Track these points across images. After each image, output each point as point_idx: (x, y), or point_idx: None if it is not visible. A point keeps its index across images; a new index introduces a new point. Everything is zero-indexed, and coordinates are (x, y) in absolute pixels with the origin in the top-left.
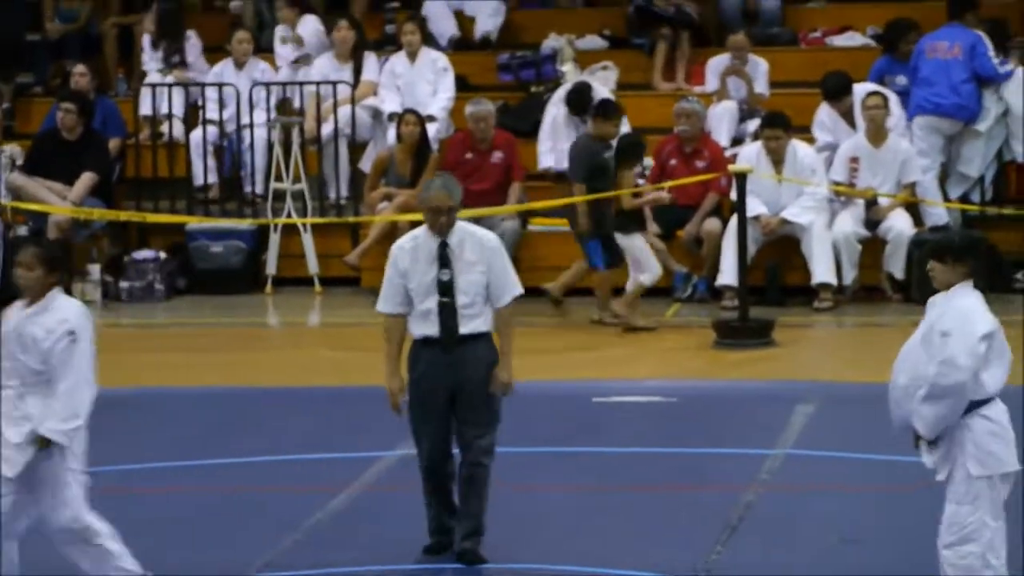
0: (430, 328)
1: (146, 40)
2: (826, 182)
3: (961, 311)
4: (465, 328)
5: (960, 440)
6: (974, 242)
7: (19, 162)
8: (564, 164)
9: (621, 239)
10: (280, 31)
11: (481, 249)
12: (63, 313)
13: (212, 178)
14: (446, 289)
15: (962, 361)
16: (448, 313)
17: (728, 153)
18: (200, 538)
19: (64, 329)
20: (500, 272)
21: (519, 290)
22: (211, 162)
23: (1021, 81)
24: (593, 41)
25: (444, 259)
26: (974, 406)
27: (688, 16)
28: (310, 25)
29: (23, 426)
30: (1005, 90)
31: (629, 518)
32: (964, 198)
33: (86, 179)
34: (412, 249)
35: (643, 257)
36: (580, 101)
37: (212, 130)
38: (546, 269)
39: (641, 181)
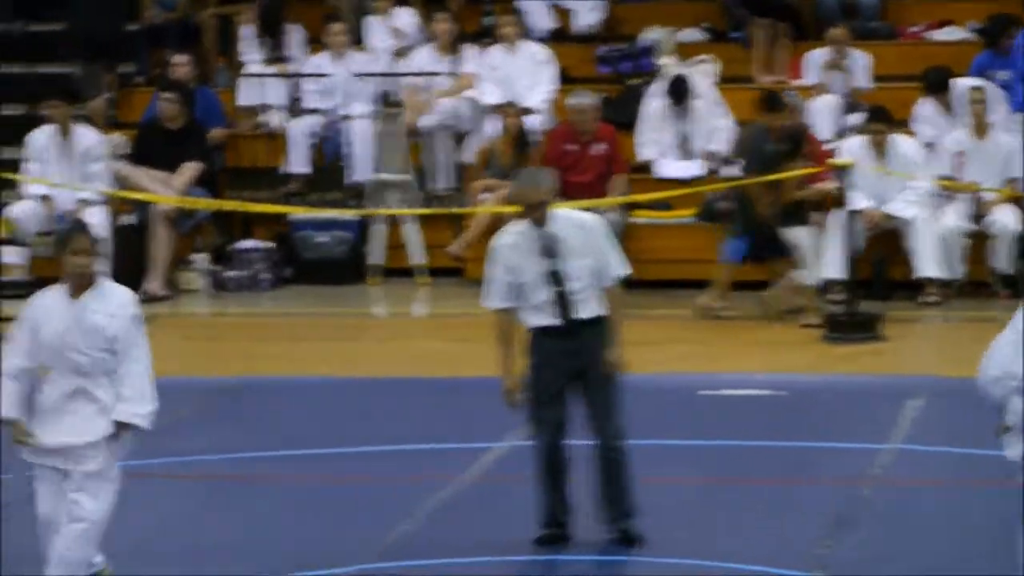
0: (547, 318)
1: (247, 31)
2: (930, 177)
3: None
4: (582, 313)
5: None
6: None
7: (123, 151)
8: (663, 156)
9: (786, 232)
10: (376, 23)
11: (583, 233)
12: (120, 298)
13: (310, 168)
14: (557, 279)
15: None
16: (563, 302)
17: (829, 147)
18: (311, 526)
19: (128, 313)
20: (604, 253)
21: (623, 270)
22: (312, 153)
23: None
24: (692, 34)
25: (550, 249)
26: None
27: (789, 7)
28: (404, 18)
29: (98, 421)
30: None
31: (738, 512)
32: None
33: (190, 168)
34: (515, 244)
35: (806, 250)
36: (678, 93)
37: (313, 120)
38: (650, 261)
39: None
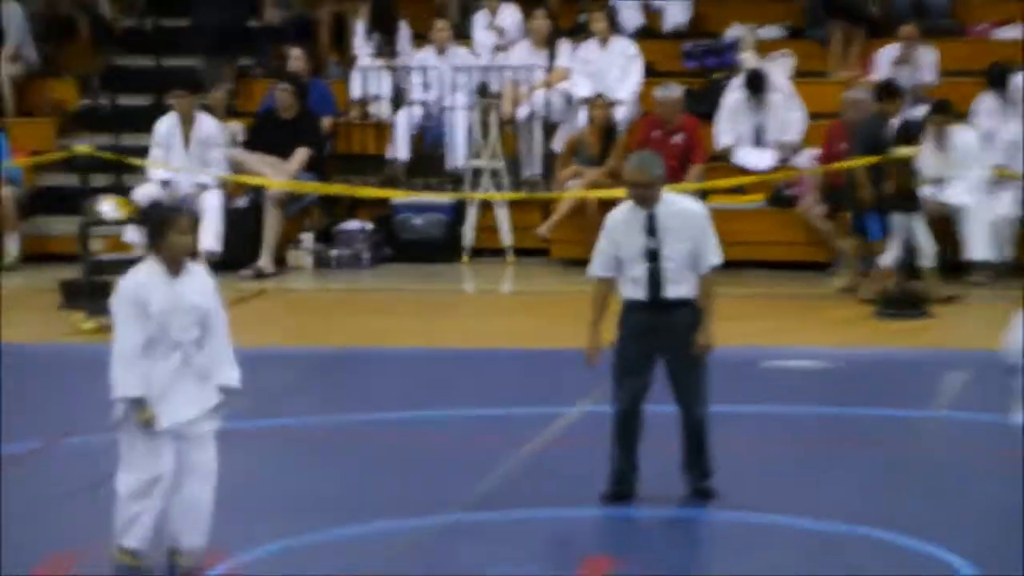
0: (639, 292)
1: (359, 27)
2: (986, 166)
3: None
4: (671, 293)
5: None
6: None
7: (240, 138)
8: (741, 144)
9: (899, 218)
10: (481, 19)
11: (685, 219)
12: (204, 275)
13: (411, 155)
14: (653, 256)
15: None
16: (655, 278)
17: None
18: (402, 481)
19: (213, 289)
20: (702, 240)
21: (717, 259)
22: (414, 140)
23: None
24: (772, 31)
25: (652, 229)
26: None
27: (867, 10)
28: (509, 14)
29: (204, 390)
30: None
31: (792, 472)
32: None
33: (300, 154)
34: (624, 220)
35: (921, 237)
36: (757, 86)
37: (417, 111)
38: (727, 244)
39: None
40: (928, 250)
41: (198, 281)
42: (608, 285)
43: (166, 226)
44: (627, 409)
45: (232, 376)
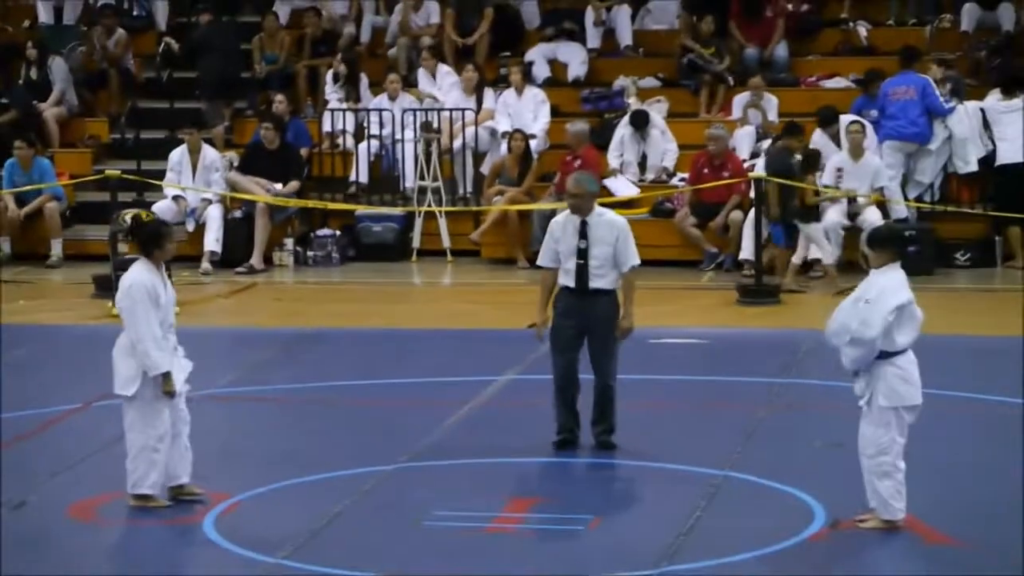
0: (570, 281)
1: (329, 77)
2: (819, 186)
3: (881, 287)
4: (594, 284)
5: (875, 380)
6: (895, 233)
7: (235, 164)
8: (629, 171)
9: (803, 227)
10: (423, 73)
11: (610, 228)
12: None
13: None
14: (582, 254)
15: (875, 323)
16: (582, 272)
17: (747, 164)
18: (363, 437)
19: None
20: (623, 246)
21: (637, 261)
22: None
23: (963, 114)
24: (650, 81)
25: (583, 232)
26: (888, 355)
27: (724, 76)
28: (443, 69)
29: (183, 362)
30: (950, 120)
31: (674, 427)
32: (919, 199)
33: (292, 185)
34: (564, 223)
35: (820, 241)
36: (639, 120)
37: (374, 143)
38: None
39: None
40: (827, 250)
41: (169, 279)
42: (552, 274)
43: (161, 237)
44: (563, 375)
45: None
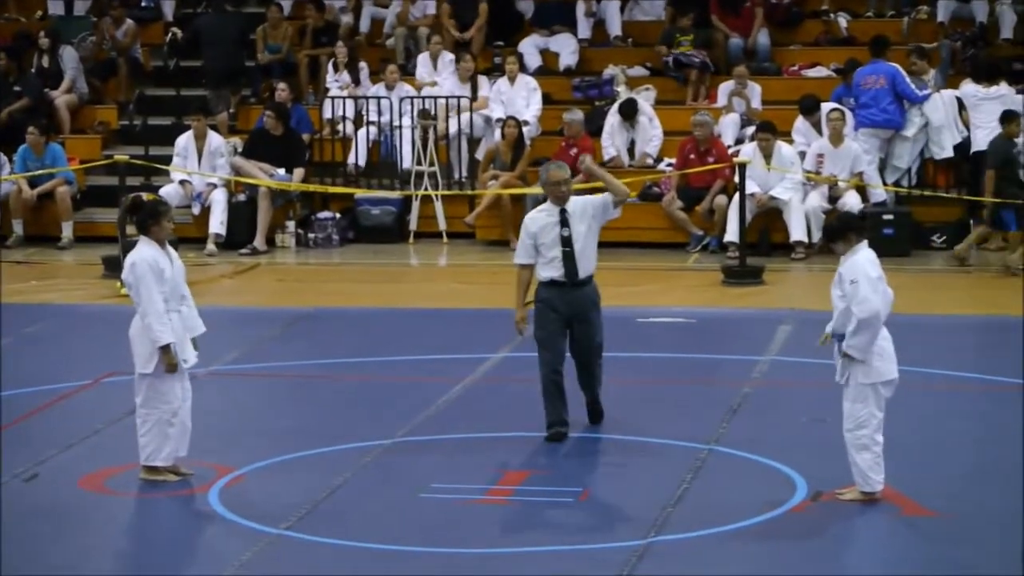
0: (556, 272)
1: (330, 66)
2: (801, 171)
3: (858, 264)
4: (582, 272)
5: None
6: (846, 220)
7: (240, 149)
8: (622, 156)
9: None
10: (422, 60)
11: (585, 205)
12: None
13: (368, 162)
14: (567, 241)
15: (870, 297)
16: (569, 260)
17: (732, 150)
18: (361, 412)
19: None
20: (600, 208)
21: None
22: (370, 151)
23: (938, 102)
24: (639, 70)
25: (564, 221)
26: None
27: (707, 65)
28: (446, 58)
29: (188, 335)
30: (926, 107)
31: (661, 403)
32: (897, 183)
33: (298, 173)
34: (537, 218)
35: None
36: (628, 110)
37: (373, 129)
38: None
39: None
40: None
41: (175, 254)
42: (529, 271)
43: (159, 215)
44: (553, 368)
45: (201, 327)
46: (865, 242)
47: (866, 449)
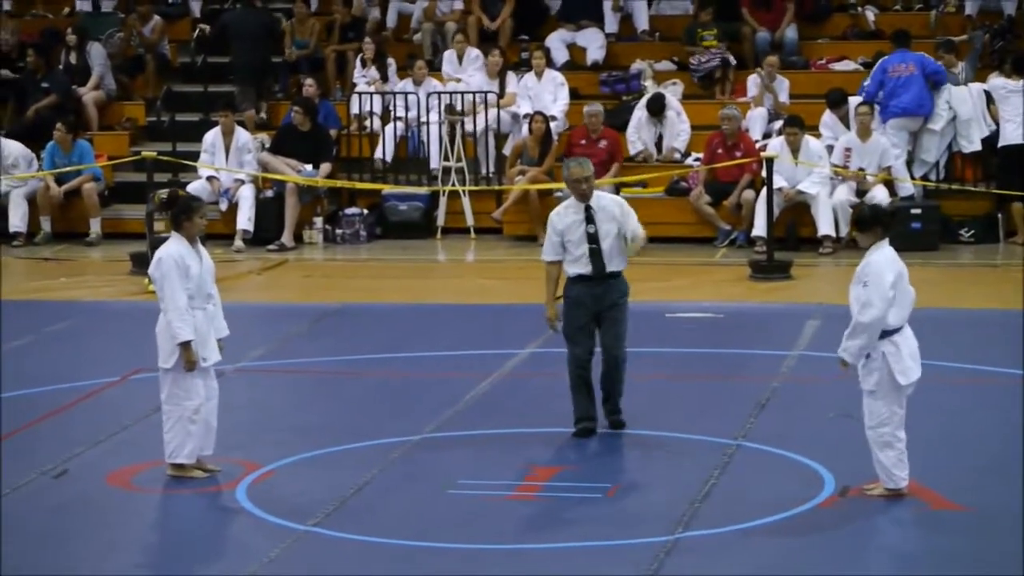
0: (584, 268)
1: (358, 61)
2: (828, 165)
3: (875, 265)
4: (610, 267)
5: (873, 361)
6: (879, 212)
7: (267, 145)
8: (650, 151)
9: None
10: (448, 56)
11: (612, 204)
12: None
13: (396, 158)
14: (593, 238)
15: (875, 303)
16: (596, 256)
17: (759, 145)
18: (388, 408)
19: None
20: (627, 219)
21: (642, 232)
22: (398, 147)
23: (967, 95)
24: (666, 65)
25: (590, 217)
26: (885, 334)
27: (728, 60)
28: (472, 53)
29: (214, 333)
30: (954, 100)
31: (689, 399)
32: (924, 177)
33: (325, 167)
34: (564, 213)
35: None
36: (656, 106)
37: (400, 125)
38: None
39: None
40: None
41: (206, 251)
42: (558, 267)
43: (191, 211)
44: (581, 364)
45: (225, 330)
46: (887, 240)
47: (889, 447)
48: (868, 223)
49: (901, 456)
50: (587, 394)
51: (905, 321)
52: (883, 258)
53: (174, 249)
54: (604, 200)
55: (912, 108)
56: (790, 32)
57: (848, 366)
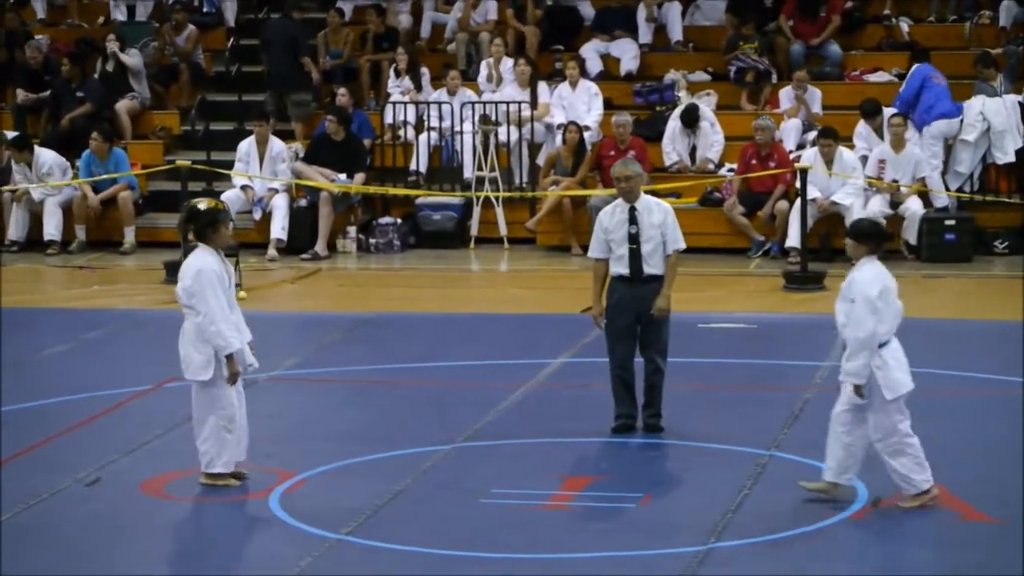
0: (624, 268)
1: (391, 71)
2: (863, 177)
3: (859, 282)
4: (648, 270)
5: (872, 371)
6: (877, 229)
7: (301, 155)
8: (684, 161)
9: None
10: (483, 66)
11: (658, 210)
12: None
13: (430, 167)
14: (634, 239)
15: (863, 319)
16: (635, 257)
17: (793, 156)
18: (421, 417)
19: None
20: (671, 229)
21: (683, 245)
22: (431, 156)
23: (1001, 107)
24: (700, 75)
25: (633, 218)
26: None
27: (769, 72)
28: (507, 64)
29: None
30: (988, 111)
31: (722, 408)
32: (959, 189)
33: (359, 178)
34: (611, 212)
35: None
36: (690, 117)
37: (434, 134)
38: None
39: None
40: None
41: (226, 260)
42: (604, 264)
43: (219, 223)
44: (622, 364)
45: (248, 334)
46: (876, 257)
47: (901, 454)
48: (865, 236)
49: (917, 460)
50: (628, 394)
51: (892, 334)
52: (869, 275)
53: (211, 261)
54: (650, 203)
55: (951, 112)
56: (832, 44)
57: (862, 388)
